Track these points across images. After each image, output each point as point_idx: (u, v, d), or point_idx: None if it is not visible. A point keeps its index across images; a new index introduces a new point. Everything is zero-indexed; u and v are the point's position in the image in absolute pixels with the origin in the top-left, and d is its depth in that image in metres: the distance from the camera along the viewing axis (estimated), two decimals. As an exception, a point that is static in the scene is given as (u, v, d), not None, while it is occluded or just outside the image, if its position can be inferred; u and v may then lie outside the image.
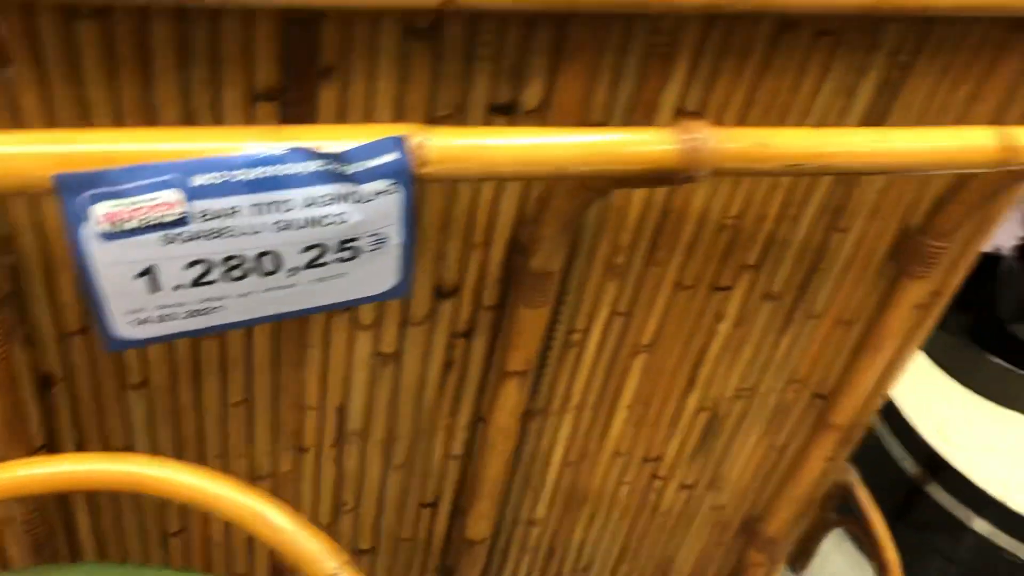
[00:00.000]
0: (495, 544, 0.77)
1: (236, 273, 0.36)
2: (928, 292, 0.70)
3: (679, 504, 0.81)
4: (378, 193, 0.35)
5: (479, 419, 0.65)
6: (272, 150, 0.34)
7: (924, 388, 1.16)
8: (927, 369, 1.19)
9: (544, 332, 0.61)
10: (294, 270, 0.37)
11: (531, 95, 0.48)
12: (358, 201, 0.35)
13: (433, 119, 0.47)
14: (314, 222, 0.35)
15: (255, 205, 0.34)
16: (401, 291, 0.40)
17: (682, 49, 0.49)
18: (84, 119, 0.42)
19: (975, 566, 1.11)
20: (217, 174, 0.33)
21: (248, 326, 0.45)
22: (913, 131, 0.42)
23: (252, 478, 0.63)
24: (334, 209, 0.35)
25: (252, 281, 0.37)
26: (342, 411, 0.61)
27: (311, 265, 0.37)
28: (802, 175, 0.44)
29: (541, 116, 0.49)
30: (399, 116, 0.47)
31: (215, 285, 0.36)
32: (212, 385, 0.56)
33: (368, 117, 0.46)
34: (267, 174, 0.34)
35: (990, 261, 1.25)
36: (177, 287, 0.36)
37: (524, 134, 0.37)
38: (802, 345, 0.70)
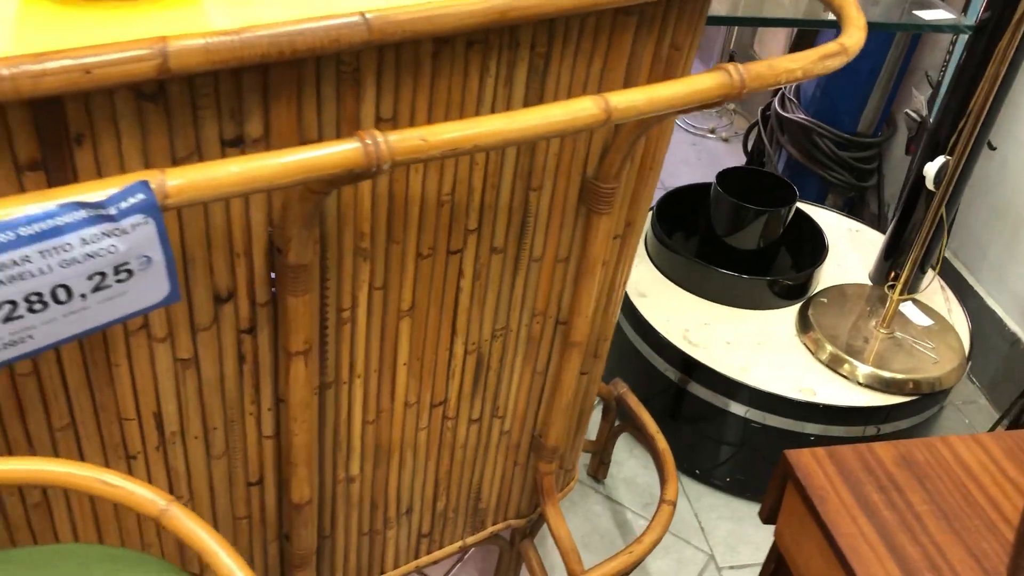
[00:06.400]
0: (322, 504, 0.89)
1: (38, 307, 0.47)
2: (620, 223, 0.89)
3: (472, 437, 0.96)
4: (135, 226, 0.47)
5: (280, 400, 0.77)
6: (46, 208, 0.45)
7: (668, 304, 1.38)
8: (668, 288, 1.41)
9: (316, 315, 0.74)
10: (84, 295, 0.48)
11: (253, 129, 0.61)
12: (122, 234, 0.47)
13: (177, 161, 0.59)
14: (91, 256, 0.47)
15: (42, 252, 0.45)
16: (174, 298, 0.52)
17: (365, 72, 0.63)
18: None
19: (739, 440, 1.35)
20: (5, 234, 0.44)
21: (59, 346, 0.56)
22: (532, 110, 0.58)
23: (90, 493, 0.72)
24: (105, 243, 0.47)
25: (53, 310, 0.47)
26: (158, 416, 0.72)
27: (97, 289, 0.48)
28: (460, 155, 0.59)
29: (266, 143, 0.62)
30: (148, 164, 0.58)
31: (23, 319, 0.47)
32: (36, 416, 0.66)
33: (121, 169, 0.57)
34: (46, 226, 0.45)
35: (703, 194, 1.49)
36: (-10, 327, 0.46)
37: (239, 162, 0.50)
38: (533, 284, 0.87)
